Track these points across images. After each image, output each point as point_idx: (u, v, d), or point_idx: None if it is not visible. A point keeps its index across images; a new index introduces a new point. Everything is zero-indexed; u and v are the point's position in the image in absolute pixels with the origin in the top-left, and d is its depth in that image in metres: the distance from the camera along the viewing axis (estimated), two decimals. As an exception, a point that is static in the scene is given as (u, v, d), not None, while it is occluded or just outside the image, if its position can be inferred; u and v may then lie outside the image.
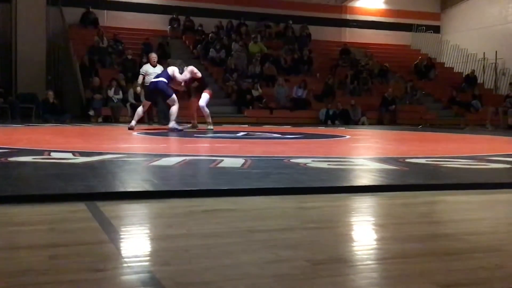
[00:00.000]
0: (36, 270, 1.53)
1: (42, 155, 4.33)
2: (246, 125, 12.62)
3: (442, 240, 2.01)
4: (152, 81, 9.16)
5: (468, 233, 2.13)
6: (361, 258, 1.77)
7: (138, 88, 11.45)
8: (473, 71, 20.06)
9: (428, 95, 19.09)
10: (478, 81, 19.98)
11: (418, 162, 4.33)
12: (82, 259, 1.64)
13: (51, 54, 17.25)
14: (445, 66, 22.04)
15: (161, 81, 8.90)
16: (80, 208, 2.36)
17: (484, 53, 20.44)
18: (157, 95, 9.23)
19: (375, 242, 2.02)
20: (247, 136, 8.12)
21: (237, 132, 9.06)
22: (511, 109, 15.26)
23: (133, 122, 9.25)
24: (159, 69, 11.14)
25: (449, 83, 19.78)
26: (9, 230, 2.02)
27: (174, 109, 8.84)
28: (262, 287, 1.43)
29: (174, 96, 8.89)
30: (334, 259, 1.70)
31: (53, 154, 4.41)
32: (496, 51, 19.99)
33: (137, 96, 14.01)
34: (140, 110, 9.46)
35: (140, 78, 11.23)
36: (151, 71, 11.07)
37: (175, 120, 8.87)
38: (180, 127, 8.91)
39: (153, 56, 11.56)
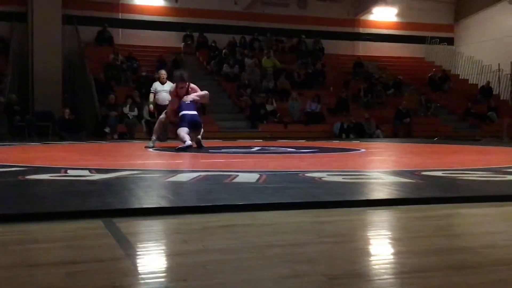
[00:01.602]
0: (54, 287, 1.54)
1: (59, 172, 4.36)
2: (261, 140, 12.63)
3: (460, 253, 1.99)
4: (191, 114, 8.33)
5: (485, 246, 2.10)
6: (378, 273, 1.76)
7: (151, 107, 11.39)
8: (488, 83, 19.95)
9: (443, 107, 19.01)
10: (494, 93, 19.86)
11: (434, 175, 4.29)
12: (99, 276, 1.64)
13: (67, 72, 17.47)
14: (460, 78, 21.95)
15: (196, 115, 8.48)
16: (97, 225, 2.37)
17: (499, 64, 20.34)
18: (194, 126, 8.39)
19: (392, 256, 2.00)
20: (261, 151, 8.12)
21: (252, 147, 9.07)
22: (527, 120, 15.12)
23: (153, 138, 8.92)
24: (168, 86, 10.99)
25: (464, 95, 19.68)
26: (26, 248, 2.03)
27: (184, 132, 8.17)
28: (278, 303, 1.43)
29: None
30: (351, 274, 1.69)
31: (70, 172, 4.45)
32: (511, 62, 19.87)
33: (151, 114, 14.10)
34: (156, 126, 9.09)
35: (151, 96, 11.20)
36: (160, 89, 11.07)
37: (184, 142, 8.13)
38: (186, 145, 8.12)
39: (163, 73, 11.44)
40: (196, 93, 8.66)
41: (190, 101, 8.47)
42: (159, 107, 11.09)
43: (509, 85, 20.36)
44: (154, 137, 8.95)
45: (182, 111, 8.31)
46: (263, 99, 16.77)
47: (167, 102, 11.12)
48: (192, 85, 8.81)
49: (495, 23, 21.19)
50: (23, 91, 16.39)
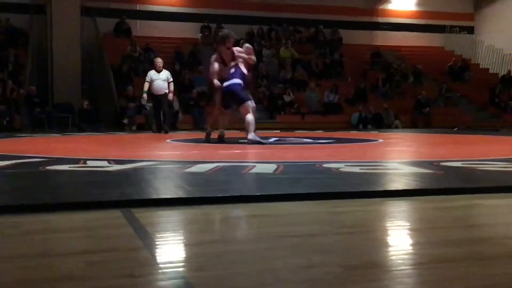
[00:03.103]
0: (73, 276, 1.56)
1: (78, 163, 4.41)
2: (278, 131, 12.62)
3: (479, 244, 1.98)
4: (226, 84, 7.41)
5: (505, 237, 2.09)
6: (396, 263, 1.75)
7: (145, 96, 11.10)
8: (509, 72, 19.68)
9: (463, 97, 18.80)
10: (515, 82, 19.59)
11: (453, 166, 4.25)
12: (118, 265, 1.66)
13: (85, 63, 17.58)
14: (480, 67, 21.68)
15: (235, 83, 7.38)
16: (115, 215, 2.39)
17: (520, 53, 20.05)
18: (231, 99, 7.49)
19: (409, 247, 1.99)
20: (279, 142, 8.13)
21: (269, 137, 9.06)
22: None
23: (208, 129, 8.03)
24: (164, 74, 10.96)
25: (484, 84, 19.44)
26: (47, 237, 2.06)
27: (250, 117, 7.25)
28: (295, 293, 1.43)
29: (248, 102, 7.39)
30: (368, 264, 1.68)
31: (89, 162, 4.49)
32: (533, 51, 19.59)
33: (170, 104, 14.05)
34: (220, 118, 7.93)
35: (146, 85, 10.89)
36: (156, 78, 10.85)
37: (254, 131, 7.26)
38: (263, 140, 7.28)
39: (158, 61, 11.11)
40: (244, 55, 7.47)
41: (236, 65, 7.39)
42: (154, 97, 10.98)
43: (531, 74, 20.08)
44: (208, 128, 8.12)
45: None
46: (281, 90, 16.73)
47: (163, 92, 10.93)
48: (236, 48, 7.64)
49: (516, 11, 20.87)
50: (42, 83, 16.54)
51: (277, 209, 2.61)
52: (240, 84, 7.39)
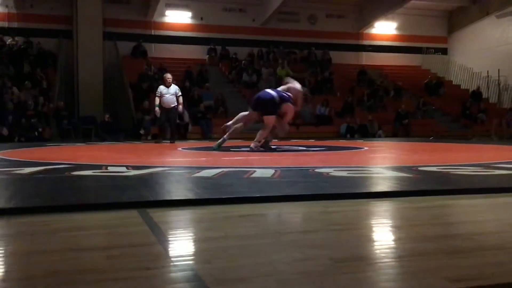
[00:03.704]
0: (95, 269, 1.56)
1: (100, 169, 4.41)
2: (276, 140, 12.59)
3: (453, 239, 1.98)
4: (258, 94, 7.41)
5: (475, 233, 2.08)
6: (379, 256, 1.75)
7: (157, 109, 10.54)
8: (478, 88, 19.70)
9: (438, 110, 18.80)
10: (483, 96, 19.61)
11: (429, 170, 4.25)
12: (134, 259, 1.66)
13: (107, 81, 17.64)
14: (453, 83, 21.70)
15: (268, 93, 7.39)
16: (132, 215, 2.39)
17: (488, 71, 20.09)
18: (259, 108, 7.39)
19: (392, 242, 1.99)
20: (276, 149, 8.12)
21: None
22: (514, 120, 14.90)
23: (226, 137, 7.71)
24: (172, 89, 10.53)
25: (457, 98, 19.45)
26: (72, 234, 2.06)
27: (263, 132, 7.32)
28: (290, 282, 1.43)
29: (273, 117, 7.25)
30: (355, 258, 1.68)
31: (110, 168, 4.49)
32: (498, 69, 19.62)
33: (180, 117, 14.05)
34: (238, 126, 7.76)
35: (157, 100, 10.39)
36: (165, 92, 10.41)
37: (260, 142, 7.25)
38: (265, 149, 7.26)
39: (168, 77, 10.54)
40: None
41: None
42: (163, 110, 10.56)
43: (497, 90, 20.10)
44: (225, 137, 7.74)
45: None
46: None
47: (172, 105, 10.48)
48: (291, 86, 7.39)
49: (484, 35, 20.93)
50: (69, 99, 16.58)
51: (275, 209, 2.61)
52: (272, 96, 7.31)
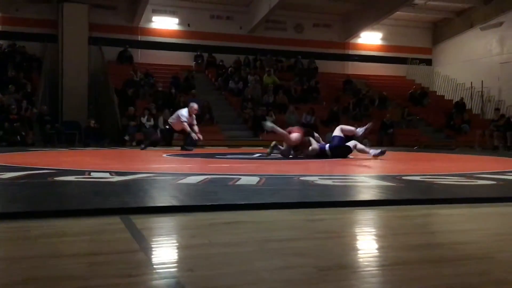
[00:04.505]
0: (77, 276, 1.53)
1: (84, 174, 4.36)
2: (261, 147, 12.61)
3: (436, 248, 1.99)
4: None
5: (458, 243, 2.10)
6: (363, 265, 1.75)
7: (194, 135, 10.22)
8: (462, 99, 19.96)
9: (422, 120, 19.00)
10: (467, 107, 19.86)
11: (413, 179, 4.28)
12: (117, 266, 1.64)
13: (92, 86, 17.53)
14: (437, 94, 21.96)
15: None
16: (115, 221, 2.36)
17: (471, 82, 20.38)
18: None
19: (375, 251, 1.99)
20: (262, 157, 8.12)
21: (253, 153, 9.06)
22: (496, 132, 15.10)
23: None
24: (193, 118, 10.39)
25: (440, 109, 19.69)
26: (53, 241, 2.03)
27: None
28: (274, 291, 1.42)
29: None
30: (339, 266, 1.68)
31: (93, 174, 4.44)
32: (482, 81, 19.91)
33: (166, 123, 13.95)
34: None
35: (187, 126, 10.06)
36: (188, 121, 10.20)
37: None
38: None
39: (195, 108, 10.39)
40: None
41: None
42: (171, 129, 10.52)
43: (480, 101, 20.38)
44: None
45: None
46: (264, 112, 16.77)
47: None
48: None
49: (468, 46, 21.24)
50: (53, 103, 16.44)
51: (259, 217, 2.60)
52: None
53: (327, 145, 8.02)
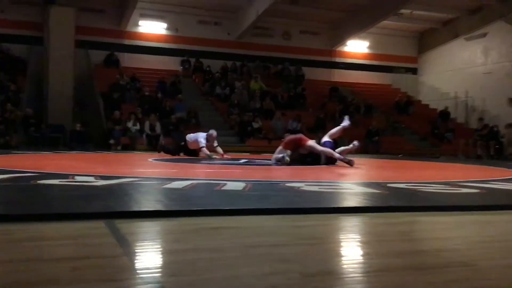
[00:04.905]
0: (60, 280, 1.51)
1: (68, 178, 4.32)
2: (248, 153, 12.61)
3: (419, 255, 2.00)
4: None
5: (442, 250, 2.11)
6: (348, 271, 1.75)
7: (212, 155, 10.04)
8: (446, 108, 20.18)
9: (407, 128, 19.15)
10: (451, 116, 20.07)
11: (398, 187, 4.31)
12: (100, 271, 1.63)
13: (78, 90, 17.38)
14: (422, 103, 22.17)
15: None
16: (99, 226, 2.34)
17: (456, 92, 20.63)
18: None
19: (360, 257, 2.00)
20: (248, 163, 8.12)
21: (239, 159, 9.06)
22: (480, 141, 15.29)
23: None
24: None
25: (425, 117, 19.88)
26: (36, 244, 2.01)
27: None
28: (259, 297, 1.41)
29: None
30: (324, 272, 1.68)
31: (77, 178, 4.40)
32: (466, 91, 20.15)
33: (152, 128, 13.98)
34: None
35: (206, 150, 9.79)
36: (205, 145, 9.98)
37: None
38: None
39: (215, 136, 10.19)
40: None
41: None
42: (189, 149, 10.27)
43: (464, 110, 20.62)
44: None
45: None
46: (250, 118, 16.79)
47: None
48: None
49: (453, 56, 21.51)
50: (38, 106, 16.25)
51: (245, 222, 2.60)
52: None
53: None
